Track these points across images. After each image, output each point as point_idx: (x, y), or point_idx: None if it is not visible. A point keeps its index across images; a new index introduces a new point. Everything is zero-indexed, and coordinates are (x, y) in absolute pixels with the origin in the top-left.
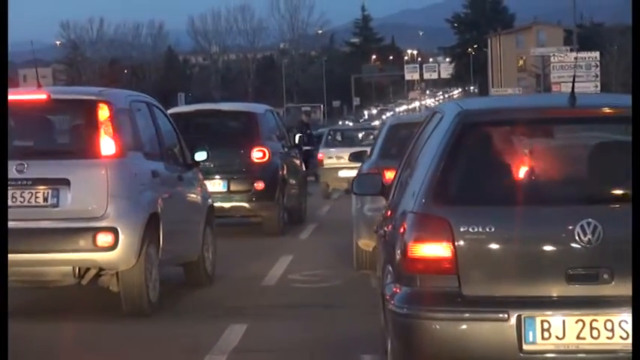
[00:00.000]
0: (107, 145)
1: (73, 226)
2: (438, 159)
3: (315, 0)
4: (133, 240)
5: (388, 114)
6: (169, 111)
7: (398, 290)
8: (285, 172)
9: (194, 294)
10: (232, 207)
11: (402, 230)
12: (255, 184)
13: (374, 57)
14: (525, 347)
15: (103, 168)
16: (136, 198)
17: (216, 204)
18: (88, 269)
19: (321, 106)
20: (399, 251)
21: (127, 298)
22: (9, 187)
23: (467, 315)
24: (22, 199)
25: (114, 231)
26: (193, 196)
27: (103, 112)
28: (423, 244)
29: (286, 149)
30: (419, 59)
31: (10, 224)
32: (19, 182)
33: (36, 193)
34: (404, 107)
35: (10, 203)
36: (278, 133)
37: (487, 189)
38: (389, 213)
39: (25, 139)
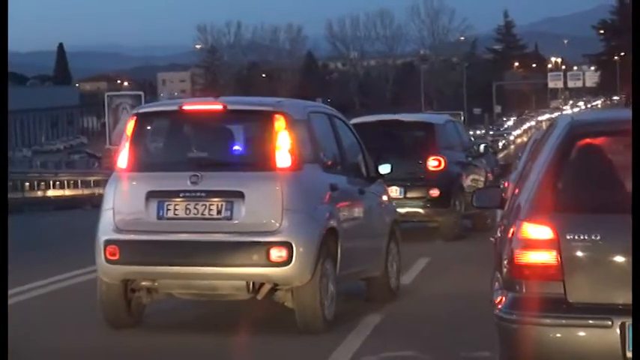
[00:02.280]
0: (283, 157)
1: (246, 239)
2: (547, 168)
3: (457, 5)
4: (308, 255)
5: (529, 123)
6: (351, 121)
7: (504, 296)
8: (464, 180)
9: (373, 309)
10: (408, 212)
11: (509, 237)
12: (430, 192)
13: (516, 64)
14: (629, 354)
15: (278, 181)
16: (311, 212)
17: None
18: (262, 284)
19: (462, 113)
20: (506, 258)
21: (301, 315)
22: (183, 199)
23: (571, 321)
24: (195, 211)
25: (288, 246)
26: (376, 210)
27: (280, 124)
28: (530, 251)
29: (469, 159)
30: (563, 67)
31: (184, 236)
32: (193, 194)
33: (210, 205)
34: (546, 116)
35: (183, 215)
36: (459, 143)
37: (594, 197)
38: (501, 222)
39: (200, 150)
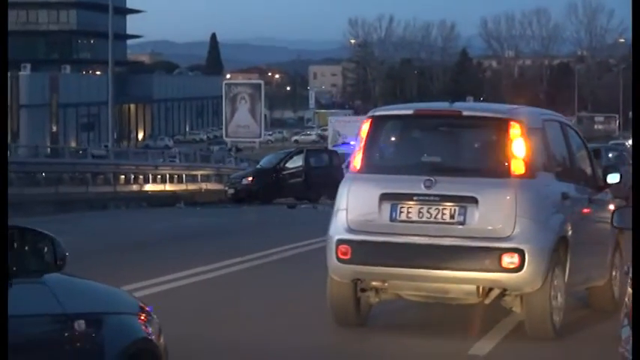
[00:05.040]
0: (517, 164)
1: (478, 245)
2: None
3: (615, 6)
4: (540, 263)
5: None
6: None
7: (631, 334)
8: None
9: (596, 318)
10: None
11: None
12: None
13: None
14: None
15: (512, 188)
16: (544, 220)
17: None
18: (491, 289)
19: (617, 116)
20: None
21: (531, 321)
22: (417, 202)
23: None
24: (428, 215)
25: (520, 253)
26: (603, 220)
27: (514, 131)
28: None
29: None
30: None
31: (416, 239)
32: (427, 198)
33: (443, 209)
34: None
35: (416, 218)
36: None
37: None
38: None
39: (434, 154)
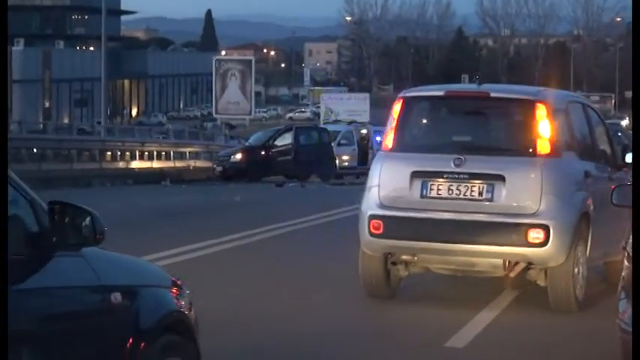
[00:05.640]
0: (543, 144)
1: (506, 220)
2: None
3: None
4: (564, 238)
5: None
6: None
7: (628, 307)
8: None
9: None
10: None
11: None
12: None
13: None
14: None
15: (538, 166)
16: (568, 197)
17: None
18: (517, 262)
19: (612, 96)
20: (629, 265)
21: (554, 294)
22: (446, 180)
23: None
24: (457, 192)
25: (545, 228)
26: None
27: (541, 112)
28: None
29: None
30: None
31: (446, 215)
32: (457, 176)
33: (472, 187)
34: None
35: (446, 195)
36: None
37: None
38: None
39: (463, 134)
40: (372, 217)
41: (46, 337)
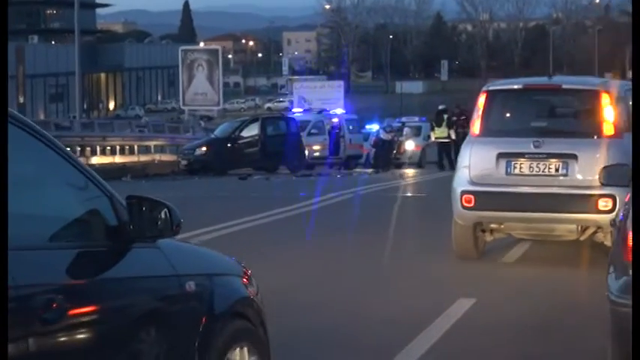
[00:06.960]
0: (607, 127)
1: (579, 192)
2: None
3: None
4: None
5: None
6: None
7: (617, 279)
8: None
9: None
10: None
11: (623, 219)
12: None
13: None
14: None
15: (604, 146)
16: None
17: None
18: (587, 227)
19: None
20: (620, 240)
21: None
22: (527, 159)
23: None
24: (537, 169)
25: (612, 197)
26: None
27: (605, 100)
28: None
29: None
30: None
31: (528, 189)
32: (536, 155)
33: (549, 165)
34: None
35: (527, 172)
36: None
37: None
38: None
39: (540, 120)
40: (464, 192)
41: (126, 324)
